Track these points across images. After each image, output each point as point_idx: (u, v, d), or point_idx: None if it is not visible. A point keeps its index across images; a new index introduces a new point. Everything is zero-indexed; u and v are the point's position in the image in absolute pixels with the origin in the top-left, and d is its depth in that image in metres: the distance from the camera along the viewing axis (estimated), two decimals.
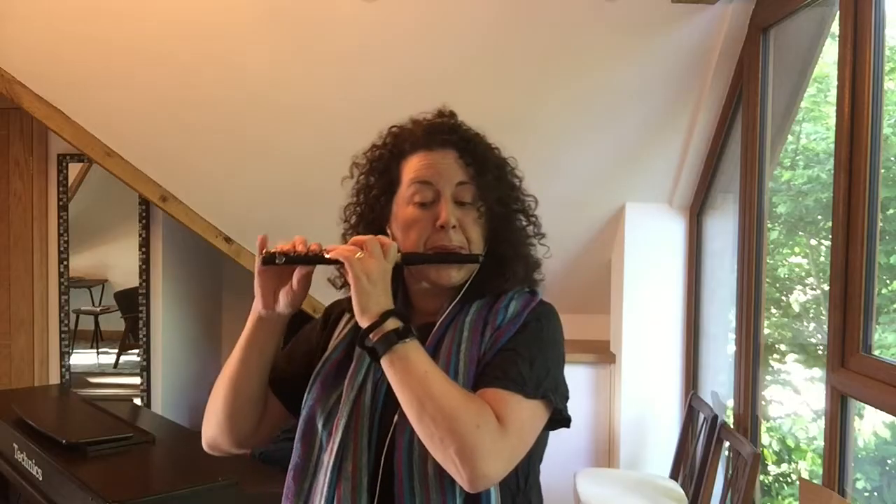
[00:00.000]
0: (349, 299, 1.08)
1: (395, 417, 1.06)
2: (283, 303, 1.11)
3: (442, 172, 1.13)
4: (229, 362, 1.15)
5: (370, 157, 1.20)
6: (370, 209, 1.18)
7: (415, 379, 0.99)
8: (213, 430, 1.17)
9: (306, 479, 1.12)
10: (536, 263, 1.20)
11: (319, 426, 1.12)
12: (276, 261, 1.06)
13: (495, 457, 0.98)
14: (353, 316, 1.14)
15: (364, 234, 1.15)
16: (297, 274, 1.09)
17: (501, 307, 1.13)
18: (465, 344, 1.09)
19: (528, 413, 1.04)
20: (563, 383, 1.11)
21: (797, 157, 3.39)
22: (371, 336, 1.02)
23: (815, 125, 3.26)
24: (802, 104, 3.05)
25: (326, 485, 1.07)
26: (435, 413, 0.97)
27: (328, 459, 1.08)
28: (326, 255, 1.06)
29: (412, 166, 1.15)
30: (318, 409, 1.13)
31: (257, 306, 1.12)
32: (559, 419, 1.09)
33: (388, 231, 1.16)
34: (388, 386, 1.03)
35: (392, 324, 1.02)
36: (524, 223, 1.20)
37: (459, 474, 0.97)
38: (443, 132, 1.16)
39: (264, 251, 1.07)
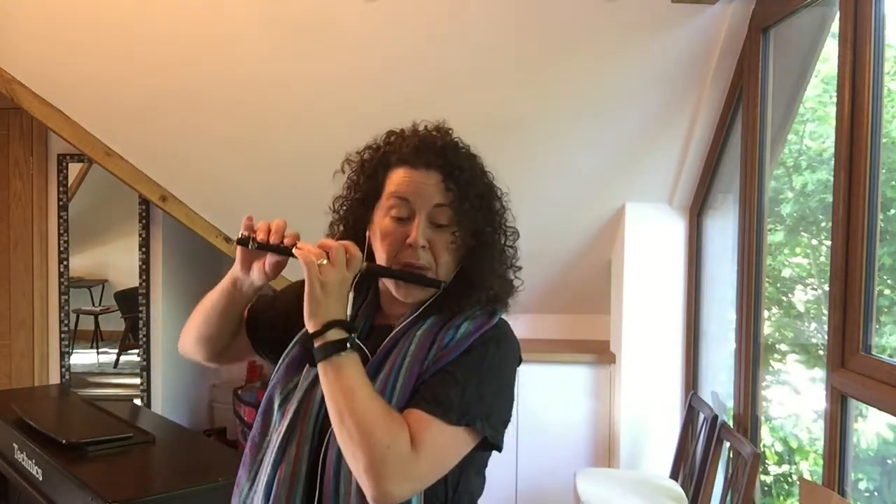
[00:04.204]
0: None
1: None
2: (255, 276, 1.16)
3: (421, 192, 1.14)
4: (207, 298, 1.26)
5: (362, 158, 1.22)
6: (353, 209, 1.21)
7: (340, 391, 1.02)
8: (187, 345, 1.33)
9: (259, 451, 1.18)
10: (508, 289, 1.20)
11: (276, 406, 1.18)
12: (249, 245, 1.11)
13: (401, 477, 1.00)
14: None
15: (348, 230, 1.20)
16: (270, 259, 1.14)
17: (453, 326, 1.14)
18: (409, 359, 1.11)
19: (446, 439, 1.05)
20: (500, 410, 1.12)
21: (800, 158, 3.39)
22: (314, 342, 1.05)
23: (820, 126, 3.25)
24: (808, 105, 3.04)
25: (270, 464, 1.13)
26: (352, 427, 1.00)
27: (276, 439, 1.14)
28: (293, 252, 1.09)
29: (394, 179, 1.16)
30: (277, 390, 1.19)
31: (235, 267, 1.18)
32: (490, 444, 1.10)
33: (368, 233, 1.19)
34: None
35: (334, 334, 1.04)
36: (501, 254, 1.20)
37: (367, 489, 1.00)
38: (432, 153, 1.16)
39: (242, 232, 1.13)
